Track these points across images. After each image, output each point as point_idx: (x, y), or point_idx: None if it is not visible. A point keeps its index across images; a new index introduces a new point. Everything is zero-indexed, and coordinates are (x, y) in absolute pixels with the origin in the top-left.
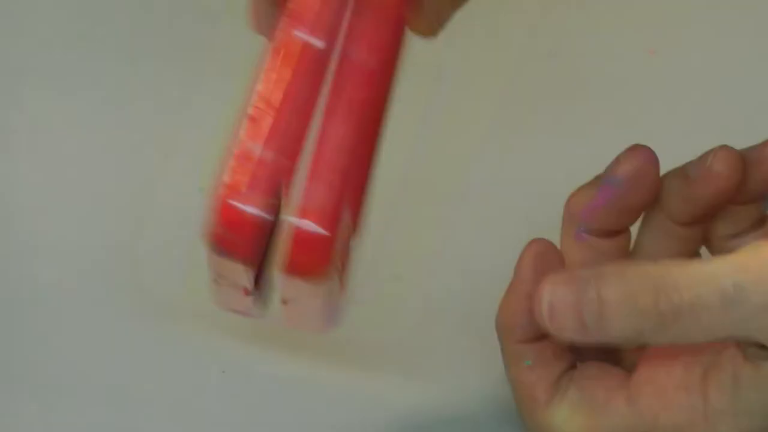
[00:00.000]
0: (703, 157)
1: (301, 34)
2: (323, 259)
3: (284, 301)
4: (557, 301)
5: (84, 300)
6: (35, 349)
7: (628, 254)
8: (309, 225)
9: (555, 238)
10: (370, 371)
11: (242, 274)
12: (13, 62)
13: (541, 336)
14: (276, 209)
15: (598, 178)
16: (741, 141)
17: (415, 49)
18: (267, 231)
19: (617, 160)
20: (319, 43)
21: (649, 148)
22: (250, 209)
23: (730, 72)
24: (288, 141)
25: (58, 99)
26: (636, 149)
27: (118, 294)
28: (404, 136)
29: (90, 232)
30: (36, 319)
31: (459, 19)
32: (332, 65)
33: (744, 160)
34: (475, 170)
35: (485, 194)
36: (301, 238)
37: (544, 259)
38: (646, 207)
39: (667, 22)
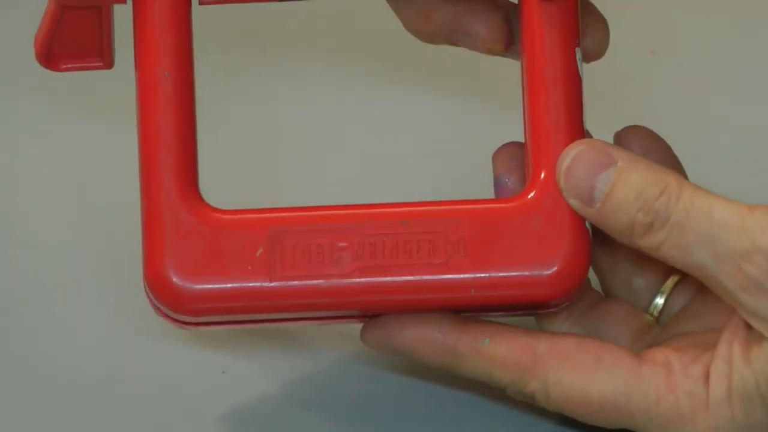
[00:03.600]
0: None
1: None
2: None
3: None
4: (580, 161)
5: (84, 300)
6: (35, 349)
7: None
8: None
9: None
10: (370, 369)
11: None
12: (13, 60)
13: None
14: None
15: None
16: (741, 141)
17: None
18: None
19: None
20: None
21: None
22: None
23: (729, 72)
24: None
25: (59, 97)
26: None
27: (119, 294)
28: None
29: (90, 233)
30: (36, 319)
31: None
32: None
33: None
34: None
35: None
36: None
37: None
38: None
39: (667, 22)
